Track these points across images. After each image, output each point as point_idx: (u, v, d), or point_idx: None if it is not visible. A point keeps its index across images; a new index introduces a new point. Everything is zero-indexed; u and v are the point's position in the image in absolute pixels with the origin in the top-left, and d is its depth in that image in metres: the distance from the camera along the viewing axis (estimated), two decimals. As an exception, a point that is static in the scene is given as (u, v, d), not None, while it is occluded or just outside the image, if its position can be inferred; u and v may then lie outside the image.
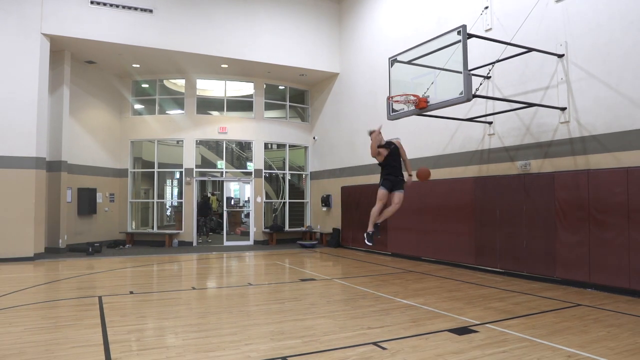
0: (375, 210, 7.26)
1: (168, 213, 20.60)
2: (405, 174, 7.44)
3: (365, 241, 7.33)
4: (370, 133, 7.28)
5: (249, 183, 17.60)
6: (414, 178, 7.57)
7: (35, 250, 12.30)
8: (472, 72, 8.78)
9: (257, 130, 17.22)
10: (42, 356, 4.60)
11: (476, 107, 10.46)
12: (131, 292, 7.99)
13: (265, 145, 17.62)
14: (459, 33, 7.71)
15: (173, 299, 7.60)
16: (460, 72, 7.64)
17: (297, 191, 18.90)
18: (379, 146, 7.26)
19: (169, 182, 20.85)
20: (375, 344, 4.95)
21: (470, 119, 10.22)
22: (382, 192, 7.23)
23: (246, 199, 22.06)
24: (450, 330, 5.48)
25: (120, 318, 6.15)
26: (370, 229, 7.29)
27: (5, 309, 6.62)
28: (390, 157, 7.33)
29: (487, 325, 5.75)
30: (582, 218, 8.20)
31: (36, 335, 5.33)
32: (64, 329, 5.58)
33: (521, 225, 9.31)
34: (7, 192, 12.01)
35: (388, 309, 6.69)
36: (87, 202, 14.94)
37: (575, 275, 8.30)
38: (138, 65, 15.52)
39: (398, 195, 7.27)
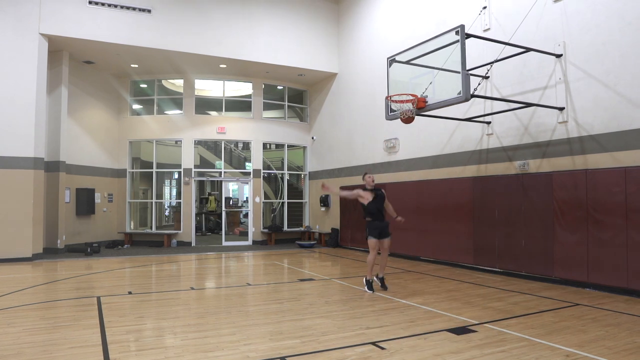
0: (370, 259, 7.89)
1: (167, 213, 20.60)
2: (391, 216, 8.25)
3: (365, 288, 7.99)
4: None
5: (247, 183, 17.59)
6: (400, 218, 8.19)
7: (34, 250, 12.29)
8: (471, 72, 8.81)
9: (256, 130, 17.22)
10: (41, 356, 4.59)
11: (474, 107, 10.47)
12: (130, 293, 7.98)
13: (264, 145, 17.62)
14: (457, 33, 7.72)
15: (172, 299, 7.59)
16: (459, 72, 7.64)
17: (295, 191, 18.91)
18: (366, 189, 8.07)
19: (167, 182, 20.84)
20: (374, 343, 4.95)
21: (469, 119, 10.23)
22: (373, 241, 7.88)
23: (245, 199, 22.06)
24: (449, 330, 5.48)
25: (119, 318, 6.14)
26: (369, 277, 8.00)
27: (4, 310, 6.61)
28: (376, 202, 7.96)
29: (485, 324, 5.75)
30: (581, 218, 8.22)
31: (34, 336, 5.32)
32: (62, 330, 5.57)
33: (519, 225, 9.32)
34: (6, 193, 11.99)
35: (387, 309, 6.70)
36: (85, 202, 14.92)
37: (574, 275, 8.31)
38: (136, 65, 15.51)
39: (388, 242, 8.05)
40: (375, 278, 8.14)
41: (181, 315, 6.39)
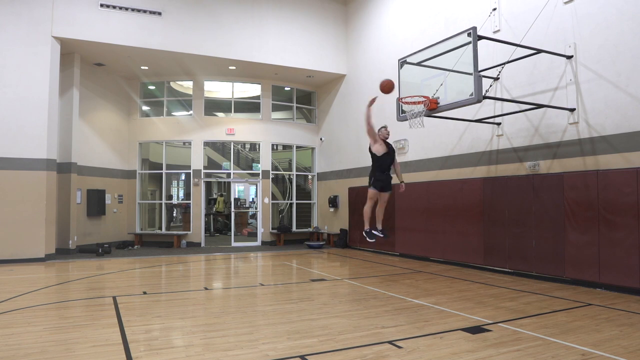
0: (367, 209, 7.93)
1: (174, 214, 20.71)
2: (395, 179, 8.30)
3: (367, 239, 8.17)
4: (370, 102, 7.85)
5: (256, 184, 17.69)
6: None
7: (47, 251, 12.42)
8: (481, 73, 8.84)
9: (265, 131, 17.31)
10: (64, 355, 4.69)
11: (484, 108, 10.51)
12: (144, 293, 8.08)
13: (272, 146, 17.71)
14: (469, 35, 7.77)
15: (186, 299, 7.67)
16: (470, 74, 7.69)
17: (303, 192, 18.98)
18: (383, 139, 7.90)
19: (174, 183, 20.96)
20: (390, 342, 5.02)
21: (479, 120, 10.27)
22: (373, 192, 7.87)
23: (251, 199, 22.16)
24: (464, 330, 5.54)
25: (137, 318, 6.23)
26: (366, 227, 8.07)
27: (22, 309, 6.72)
28: (387, 156, 7.89)
29: (499, 324, 5.80)
30: (592, 218, 8.25)
31: (56, 335, 5.41)
32: (82, 329, 5.66)
33: (530, 225, 9.35)
34: (19, 194, 12.13)
35: (400, 308, 6.76)
36: (96, 203, 15.06)
37: (585, 275, 8.34)
38: (146, 68, 15.63)
39: (385, 196, 7.98)
40: (374, 231, 8.18)
41: (198, 314, 6.47)
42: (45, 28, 12.52)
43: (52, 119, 12.75)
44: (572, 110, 8.77)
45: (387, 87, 7.81)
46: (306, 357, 4.55)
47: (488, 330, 5.50)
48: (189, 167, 16.76)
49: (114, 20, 13.27)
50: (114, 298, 7.52)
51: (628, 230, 7.70)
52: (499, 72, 9.86)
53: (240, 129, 17.01)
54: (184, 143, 17.38)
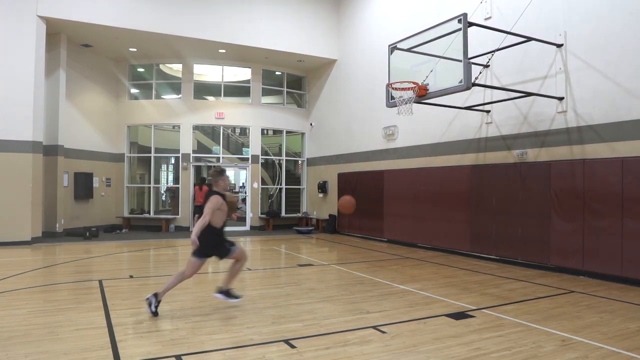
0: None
1: (163, 198, 20.59)
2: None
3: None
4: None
5: (245, 169, 17.62)
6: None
7: (33, 234, 12.31)
8: (472, 60, 8.81)
9: (254, 116, 17.20)
10: (47, 338, 4.67)
11: (474, 96, 10.50)
12: (131, 277, 8.06)
13: (261, 131, 17.60)
14: (459, 21, 7.72)
15: (173, 283, 7.66)
16: (460, 61, 7.66)
17: (293, 177, 18.95)
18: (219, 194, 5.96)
19: (164, 167, 20.80)
20: (375, 327, 5.06)
21: (468, 108, 10.27)
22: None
23: (241, 184, 22.07)
24: (448, 315, 5.59)
25: (122, 301, 6.22)
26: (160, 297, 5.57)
27: (7, 292, 6.68)
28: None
29: (483, 310, 5.87)
30: (577, 207, 8.32)
31: (40, 318, 5.39)
32: (66, 312, 5.64)
33: (517, 213, 9.42)
34: (5, 176, 11.97)
35: (386, 294, 6.81)
36: (83, 186, 14.93)
37: (569, 262, 8.44)
38: (135, 49, 15.39)
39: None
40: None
41: (183, 298, 6.47)
42: (30, 7, 12.24)
43: (38, 100, 12.54)
44: (560, 99, 8.80)
45: (345, 207, 8.24)
46: (290, 341, 4.58)
47: (472, 316, 5.56)
48: (178, 151, 16.63)
49: (101, 0, 13.00)
50: (100, 282, 7.50)
51: (612, 219, 7.78)
52: (489, 59, 9.84)
53: (230, 113, 16.88)
54: (173, 127, 17.22)
